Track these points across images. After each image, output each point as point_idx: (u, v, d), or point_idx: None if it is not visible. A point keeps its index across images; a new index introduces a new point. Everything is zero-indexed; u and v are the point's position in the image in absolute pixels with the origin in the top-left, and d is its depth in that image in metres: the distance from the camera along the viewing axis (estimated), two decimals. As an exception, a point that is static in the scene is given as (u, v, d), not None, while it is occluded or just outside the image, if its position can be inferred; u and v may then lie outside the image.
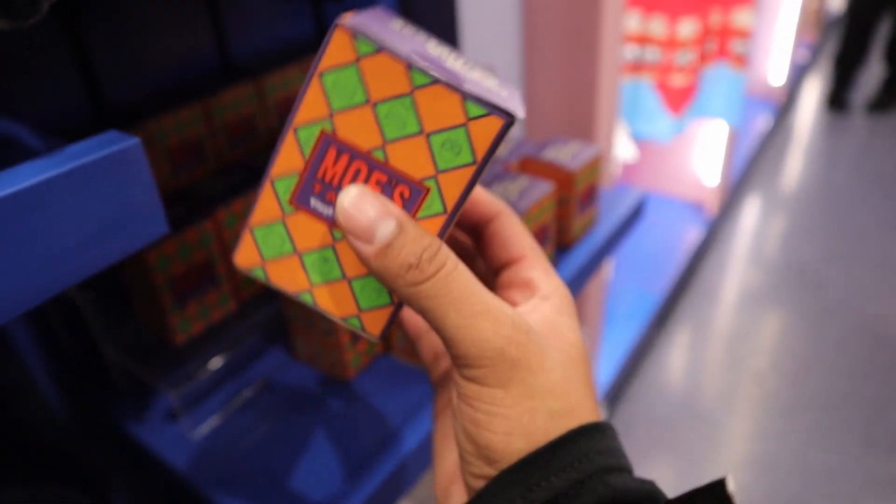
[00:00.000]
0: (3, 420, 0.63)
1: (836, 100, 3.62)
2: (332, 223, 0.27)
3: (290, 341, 0.63)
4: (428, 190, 0.26)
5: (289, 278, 0.29)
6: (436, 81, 0.24)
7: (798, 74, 3.86)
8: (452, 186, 0.26)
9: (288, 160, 0.27)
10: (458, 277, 0.25)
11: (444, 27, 0.95)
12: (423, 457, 0.53)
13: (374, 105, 0.25)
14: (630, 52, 1.92)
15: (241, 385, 0.60)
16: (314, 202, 0.27)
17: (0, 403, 0.63)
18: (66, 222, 0.25)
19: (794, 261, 2.51)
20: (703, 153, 2.48)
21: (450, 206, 0.26)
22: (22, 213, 0.24)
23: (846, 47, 3.52)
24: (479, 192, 0.32)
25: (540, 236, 0.69)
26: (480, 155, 0.25)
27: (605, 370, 1.80)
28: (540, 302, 0.30)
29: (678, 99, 1.97)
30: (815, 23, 4.09)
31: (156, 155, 0.63)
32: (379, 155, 0.26)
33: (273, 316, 0.62)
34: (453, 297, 0.25)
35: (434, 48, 0.27)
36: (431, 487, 0.81)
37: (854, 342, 2.12)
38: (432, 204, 0.26)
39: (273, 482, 0.52)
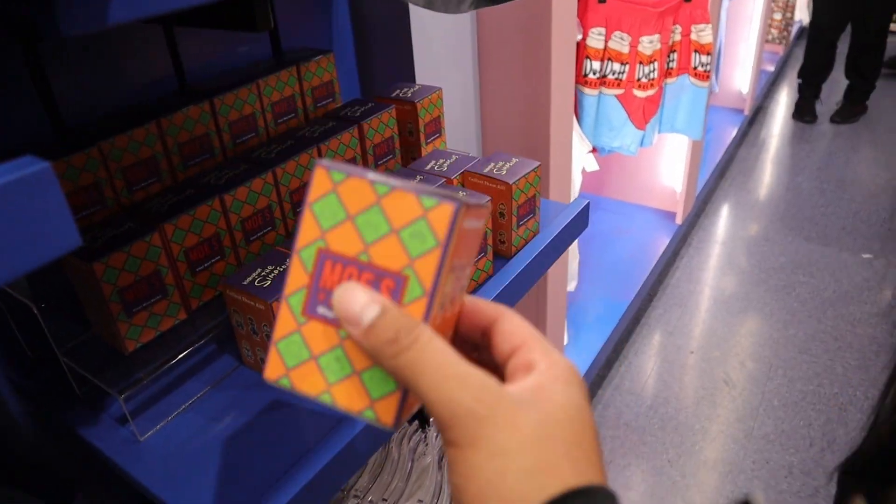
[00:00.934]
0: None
1: (802, 111, 3.71)
2: (337, 324, 0.32)
3: (237, 348, 0.67)
4: (407, 278, 0.31)
5: (310, 382, 0.33)
6: (394, 188, 0.31)
7: (766, 85, 3.95)
8: (425, 269, 0.31)
9: (296, 279, 0.33)
10: (432, 349, 0.29)
11: (399, 54, 1.00)
12: (359, 450, 0.57)
13: (353, 218, 0.31)
14: (593, 67, 1.97)
15: (190, 390, 0.64)
16: (321, 309, 0.32)
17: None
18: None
19: (763, 266, 2.57)
20: (672, 162, 2.54)
21: (427, 286, 0.31)
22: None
23: (810, 60, 3.62)
24: (480, 302, 0.36)
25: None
26: (442, 237, 0.30)
27: (573, 376, 1.84)
28: (536, 375, 0.31)
29: (642, 112, 2.02)
30: (782, 35, 4.19)
31: (110, 172, 0.66)
32: (364, 258, 0.31)
33: (220, 324, 0.66)
34: (427, 364, 0.29)
35: (400, 177, 0.33)
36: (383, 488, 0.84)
37: (816, 345, 2.18)
38: (413, 289, 0.31)
39: (220, 481, 0.55)
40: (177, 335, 0.64)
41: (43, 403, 0.66)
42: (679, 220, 2.54)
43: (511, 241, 0.80)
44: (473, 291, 0.75)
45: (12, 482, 0.69)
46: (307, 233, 0.32)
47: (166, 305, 0.62)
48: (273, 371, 0.34)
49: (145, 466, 0.56)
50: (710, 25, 2.03)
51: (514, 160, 0.81)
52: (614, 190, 2.63)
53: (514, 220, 0.78)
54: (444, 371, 0.29)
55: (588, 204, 0.91)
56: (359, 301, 0.30)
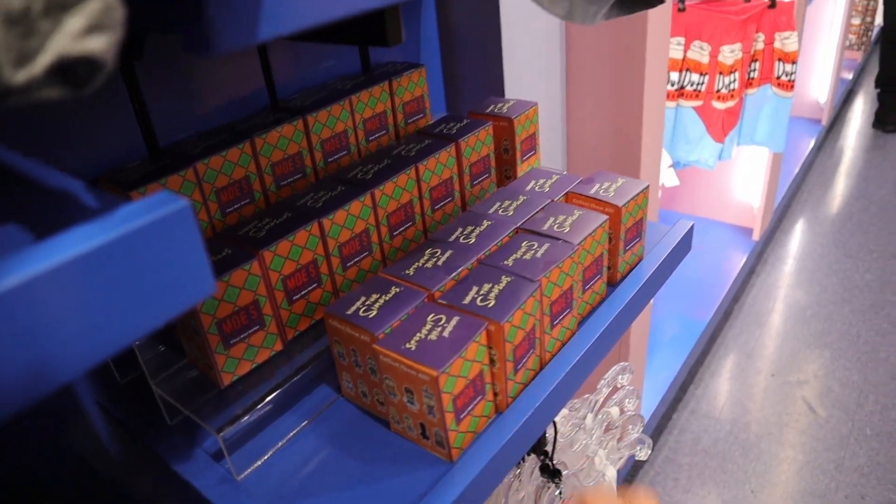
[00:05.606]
0: (54, 452, 0.65)
1: (883, 119, 3.53)
2: None
3: (336, 379, 0.63)
4: None
5: None
6: None
7: (844, 93, 3.78)
8: None
9: None
10: None
11: (489, 67, 0.96)
12: (470, 495, 0.53)
13: None
14: (671, 79, 1.90)
15: (287, 423, 0.60)
16: None
17: (52, 436, 0.64)
18: (117, 287, 0.25)
19: (845, 284, 2.43)
20: (748, 176, 2.43)
21: None
22: (77, 278, 0.24)
23: (885, 66, 3.44)
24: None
25: (593, 270, 0.68)
26: None
27: (649, 400, 1.76)
28: None
29: (721, 124, 1.94)
30: (860, 41, 4.01)
31: (205, 195, 0.64)
32: None
33: (319, 355, 0.62)
34: None
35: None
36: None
37: (911, 372, 2.04)
38: None
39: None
40: (273, 366, 0.61)
41: (134, 434, 0.64)
42: (756, 237, 2.43)
43: (617, 266, 0.74)
44: (588, 315, 0.70)
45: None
46: None
47: (263, 336, 0.59)
48: None
49: (244, 509, 0.53)
50: (795, 33, 1.93)
51: (619, 180, 0.75)
52: (688, 205, 2.54)
53: (622, 244, 0.73)
54: None
55: (693, 226, 0.85)
56: None
